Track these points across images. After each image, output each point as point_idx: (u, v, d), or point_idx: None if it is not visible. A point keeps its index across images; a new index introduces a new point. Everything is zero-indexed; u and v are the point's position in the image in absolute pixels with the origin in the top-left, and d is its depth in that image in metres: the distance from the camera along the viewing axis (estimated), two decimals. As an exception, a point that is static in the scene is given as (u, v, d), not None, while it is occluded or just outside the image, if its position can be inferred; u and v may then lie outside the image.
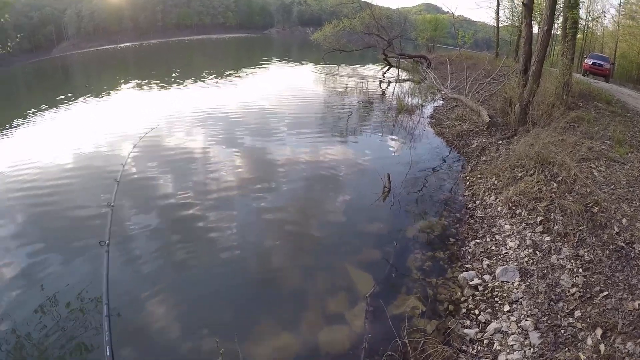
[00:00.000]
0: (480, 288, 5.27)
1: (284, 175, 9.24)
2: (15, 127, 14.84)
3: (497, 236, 6.42)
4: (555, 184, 6.92)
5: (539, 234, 6.04)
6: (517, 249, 5.92)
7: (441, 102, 16.59)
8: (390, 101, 17.60)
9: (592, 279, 4.85)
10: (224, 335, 4.56)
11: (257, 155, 10.59)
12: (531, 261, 5.55)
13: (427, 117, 14.24)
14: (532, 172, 7.55)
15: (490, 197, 7.66)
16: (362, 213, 7.64)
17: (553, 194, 6.64)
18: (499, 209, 7.15)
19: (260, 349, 4.40)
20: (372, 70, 30.22)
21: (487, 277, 5.46)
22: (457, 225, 7.00)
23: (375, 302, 5.05)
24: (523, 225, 6.40)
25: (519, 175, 7.79)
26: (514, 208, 6.89)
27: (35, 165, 10.11)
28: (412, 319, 4.73)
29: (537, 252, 5.69)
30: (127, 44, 58.99)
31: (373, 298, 5.12)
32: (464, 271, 5.68)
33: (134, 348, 4.56)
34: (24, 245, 6.57)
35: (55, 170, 9.75)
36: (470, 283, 5.38)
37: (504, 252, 5.99)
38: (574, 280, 4.95)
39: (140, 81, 26.24)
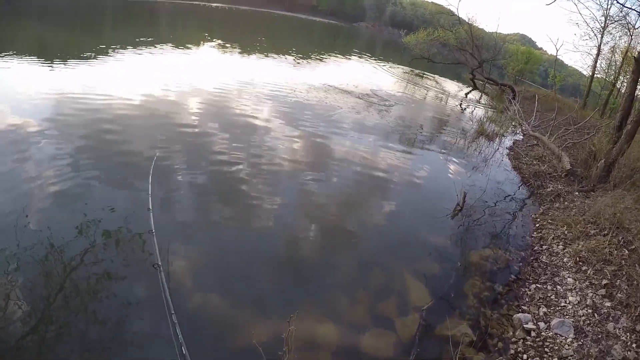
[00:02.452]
0: (532, 334, 5.10)
1: (339, 166, 9.31)
2: (94, 58, 15.48)
3: (558, 287, 6.18)
4: (627, 252, 6.63)
5: (600, 296, 5.79)
6: (577, 306, 5.69)
7: (521, 137, 16.11)
8: (468, 122, 17.21)
9: (645, 358, 4.63)
10: (262, 310, 4.70)
11: (316, 141, 10.63)
12: (588, 322, 5.33)
13: (506, 148, 13.89)
14: (605, 232, 7.25)
15: (558, 245, 7.38)
16: (429, 224, 7.58)
17: (623, 261, 6.37)
18: (565, 259, 6.89)
19: (302, 332, 4.29)
20: (455, 87, 29.66)
21: (541, 324, 5.27)
22: (521, 264, 6.79)
23: (428, 318, 4.96)
24: (587, 283, 6.15)
25: (592, 232, 7.49)
26: (580, 263, 6.63)
27: (105, 97, 10.62)
28: (462, 345, 4.60)
29: (596, 315, 5.45)
30: (219, 5, 59.84)
31: (427, 312, 5.02)
32: (519, 312, 5.49)
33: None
34: (76, 168, 6.89)
35: (122, 107, 10.23)
36: (524, 326, 5.20)
37: (562, 304, 5.76)
38: (626, 354, 4.74)
39: (223, 42, 26.74)
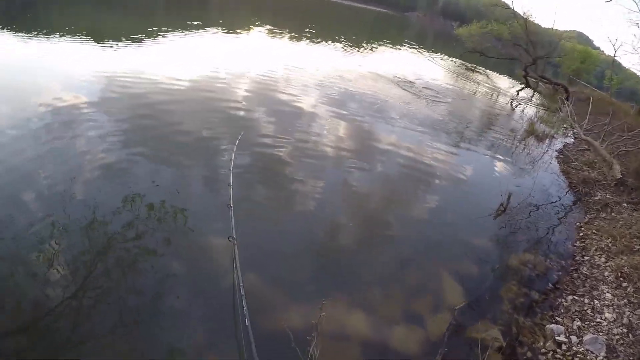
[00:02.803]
0: (563, 347, 5.02)
1: (384, 157, 9.36)
2: (145, 40, 16.04)
3: (596, 301, 6.04)
4: (671, 272, 6.40)
5: (638, 317, 5.64)
6: (612, 323, 5.56)
7: (572, 140, 15.62)
8: (518, 121, 16.79)
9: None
10: (297, 294, 4.83)
11: (362, 130, 10.73)
12: (622, 341, 5.20)
13: (556, 150, 13.51)
14: (651, 249, 7.01)
15: (600, 258, 7.20)
16: (470, 223, 7.52)
17: (665, 281, 6.14)
18: (605, 273, 6.72)
19: (333, 320, 4.39)
20: (506, 83, 28.85)
21: (574, 338, 5.18)
22: (560, 273, 6.65)
23: (460, 318, 4.96)
24: (625, 300, 5.99)
25: (637, 247, 7.29)
26: (621, 279, 6.46)
27: (154, 80, 11.08)
28: (490, 350, 4.59)
29: (630, 335, 5.32)
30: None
31: (459, 313, 5.02)
32: (553, 323, 5.41)
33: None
34: (129, 144, 7.31)
35: (172, 91, 10.61)
36: (556, 338, 5.13)
37: (597, 320, 5.64)
38: (656, 378, 4.63)
39: (272, 27, 26.85)
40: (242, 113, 9.92)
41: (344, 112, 11.59)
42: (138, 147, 7.26)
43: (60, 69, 10.85)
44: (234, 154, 6.87)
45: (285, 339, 3.71)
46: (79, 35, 14.74)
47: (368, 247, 6.22)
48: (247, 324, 3.75)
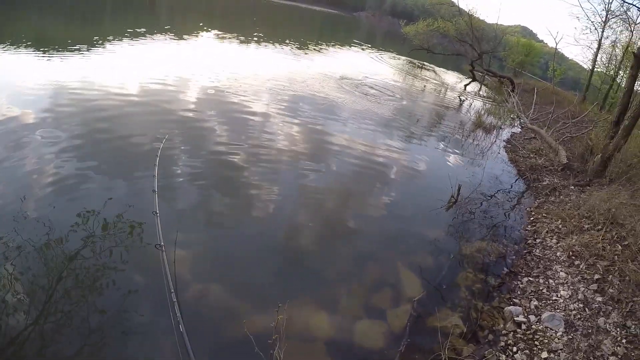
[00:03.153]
0: (523, 327, 5.12)
1: (337, 157, 9.36)
2: (91, 49, 15.45)
3: (550, 280, 6.20)
4: (620, 247, 6.65)
5: (592, 291, 5.81)
6: (568, 300, 5.71)
7: (519, 130, 16.12)
8: (466, 114, 17.21)
9: (633, 354, 4.65)
10: (259, 298, 4.74)
11: (315, 131, 10.75)
12: (579, 316, 5.35)
13: (503, 140, 13.91)
14: (599, 227, 7.28)
15: (552, 239, 7.41)
16: (424, 216, 7.63)
17: (616, 257, 6.40)
18: (558, 254, 6.91)
19: (295, 321, 4.36)
20: (453, 78, 29.58)
21: (532, 317, 5.30)
22: (514, 257, 6.82)
23: (420, 309, 5.00)
24: (579, 278, 6.17)
25: (586, 227, 7.52)
26: (573, 258, 6.65)
27: (102, 88, 10.70)
28: (452, 336, 4.64)
29: (587, 309, 5.47)
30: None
31: (419, 304, 5.07)
32: (510, 305, 5.52)
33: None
34: (76, 157, 6.99)
35: (119, 97, 10.31)
36: (515, 319, 5.23)
37: (554, 298, 5.79)
38: (615, 349, 4.75)
39: (220, 32, 26.73)
40: (190, 120, 9.71)
41: (295, 114, 11.56)
42: (88, 160, 6.90)
43: (3, 80, 10.32)
44: (157, 159, 6.65)
45: (248, 345, 3.64)
46: (23, 44, 14.12)
47: (327, 246, 6.22)
48: (181, 330, 3.68)
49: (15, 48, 13.37)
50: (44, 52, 13.51)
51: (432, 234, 7.01)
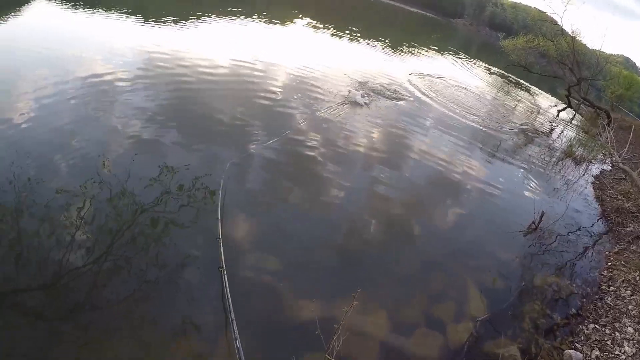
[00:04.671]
0: (580, 374, 4.98)
1: (413, 163, 9.37)
2: (187, 22, 16.28)
3: (617, 333, 5.94)
4: (697, 312, 6.27)
5: (658, 354, 5.54)
6: (630, 358, 5.46)
7: (609, 167, 15.27)
8: (555, 141, 16.47)
9: None
10: (320, 291, 4.84)
11: (395, 134, 10.75)
12: (639, 377, 5.13)
13: (592, 175, 13.23)
14: (680, 288, 6.87)
15: (626, 290, 7.06)
16: (499, 237, 7.47)
17: (691, 322, 6.03)
18: (630, 307, 6.58)
19: (354, 314, 4.33)
20: (547, 102, 28.29)
21: (591, 367, 5.13)
22: (584, 299, 6.55)
23: (481, 330, 4.95)
24: (647, 337, 5.88)
25: (665, 285, 7.12)
26: (645, 314, 6.33)
27: (192, 61, 11.41)
28: (508, 366, 4.58)
29: (649, 372, 5.24)
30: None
31: (481, 325, 5.02)
32: (572, 348, 5.34)
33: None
34: (159, 122, 7.58)
35: (206, 72, 10.92)
36: (573, 364, 5.08)
37: (616, 352, 5.54)
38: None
39: (313, 22, 26.71)
40: (271, 104, 10.06)
41: (377, 114, 11.63)
42: (171, 127, 7.51)
43: (103, 43, 11.19)
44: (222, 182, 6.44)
45: (306, 327, 3.77)
46: (124, 12, 15.01)
47: (392, 247, 6.28)
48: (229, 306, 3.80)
49: (117, 14, 14.33)
50: (144, 20, 14.52)
51: (505, 256, 6.87)
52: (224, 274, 4.42)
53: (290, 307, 4.49)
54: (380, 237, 6.40)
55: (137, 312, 3.99)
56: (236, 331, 3.74)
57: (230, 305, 4.03)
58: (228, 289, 4.25)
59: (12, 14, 12.28)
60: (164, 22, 15.31)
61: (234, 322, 3.84)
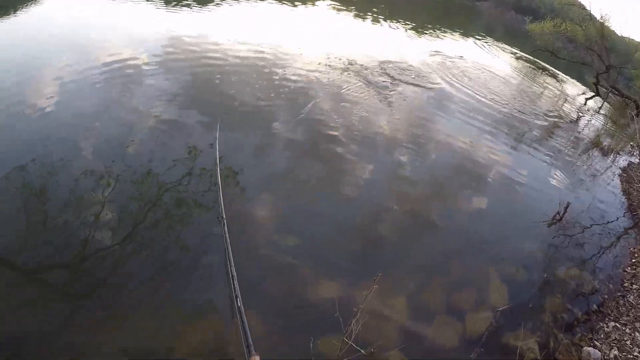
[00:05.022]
0: (597, 373, 4.88)
1: (436, 148, 9.16)
2: (209, 5, 16.09)
3: (637, 333, 5.81)
4: None
5: (678, 357, 5.41)
6: (650, 360, 5.36)
7: (637, 160, 14.87)
8: (582, 131, 16.05)
9: None
10: (340, 274, 4.83)
11: (419, 117, 10.49)
12: (657, 379, 5.02)
13: (619, 167, 12.85)
14: None
15: (650, 289, 6.91)
16: (522, 227, 7.30)
17: None
18: (653, 306, 6.45)
19: (374, 298, 4.32)
20: (574, 89, 27.56)
21: (609, 366, 5.03)
22: (606, 296, 6.40)
23: (501, 321, 4.87)
24: (668, 338, 5.75)
25: (690, 286, 6.93)
26: (667, 314, 6.19)
27: (216, 44, 11.48)
28: (525, 360, 4.50)
29: (666, 375, 5.13)
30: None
31: (501, 315, 4.93)
32: (591, 346, 5.24)
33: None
34: (180, 104, 7.66)
35: (233, 58, 10.86)
36: (591, 361, 4.99)
37: (635, 353, 5.44)
38: None
39: (335, 3, 26.15)
40: (293, 87, 9.95)
41: (400, 97, 11.39)
42: (192, 108, 7.55)
43: (125, 28, 11.23)
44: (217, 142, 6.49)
45: (326, 307, 3.71)
46: None
47: (413, 233, 6.24)
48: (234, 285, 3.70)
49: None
50: (165, 3, 14.53)
51: (528, 246, 6.72)
52: (224, 224, 4.45)
53: (309, 288, 4.49)
54: (401, 222, 6.33)
55: (159, 292, 4.04)
56: (237, 288, 3.65)
57: (231, 258, 4.00)
58: (228, 240, 4.25)
59: (32, 2, 12.25)
60: (186, 5, 15.16)
61: (235, 278, 3.78)
